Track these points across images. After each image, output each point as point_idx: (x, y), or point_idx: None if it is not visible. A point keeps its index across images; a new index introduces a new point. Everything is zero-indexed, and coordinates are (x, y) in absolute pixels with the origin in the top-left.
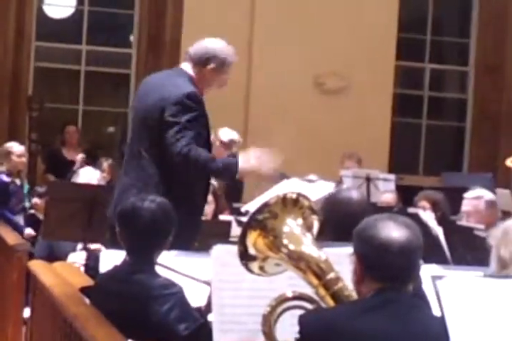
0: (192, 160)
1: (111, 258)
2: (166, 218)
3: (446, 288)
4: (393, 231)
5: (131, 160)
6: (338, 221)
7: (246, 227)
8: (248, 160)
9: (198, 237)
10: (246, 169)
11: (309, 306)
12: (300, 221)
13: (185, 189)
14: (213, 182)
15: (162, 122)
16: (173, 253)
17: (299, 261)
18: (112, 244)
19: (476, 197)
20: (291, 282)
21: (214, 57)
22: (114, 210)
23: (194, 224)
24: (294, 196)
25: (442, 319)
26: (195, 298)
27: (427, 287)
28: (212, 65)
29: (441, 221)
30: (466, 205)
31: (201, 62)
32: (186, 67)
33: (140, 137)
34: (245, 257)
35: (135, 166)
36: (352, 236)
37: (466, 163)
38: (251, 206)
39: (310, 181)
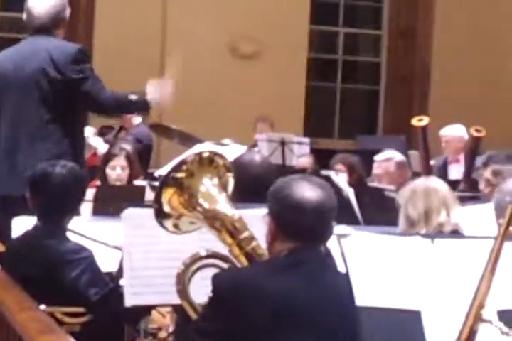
0: (120, 102)
1: (22, 225)
2: (76, 183)
3: (351, 246)
4: (307, 191)
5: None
6: (242, 183)
7: (162, 185)
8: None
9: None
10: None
11: (223, 265)
12: (215, 180)
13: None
14: (126, 146)
15: (65, 82)
16: (86, 218)
17: (213, 220)
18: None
19: (386, 159)
20: (203, 244)
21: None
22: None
23: None
24: (210, 155)
25: (347, 276)
26: (107, 263)
27: (332, 245)
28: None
29: (356, 183)
30: (377, 167)
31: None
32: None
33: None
34: (160, 215)
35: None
36: (256, 198)
37: (381, 126)
38: (164, 171)
39: (223, 145)
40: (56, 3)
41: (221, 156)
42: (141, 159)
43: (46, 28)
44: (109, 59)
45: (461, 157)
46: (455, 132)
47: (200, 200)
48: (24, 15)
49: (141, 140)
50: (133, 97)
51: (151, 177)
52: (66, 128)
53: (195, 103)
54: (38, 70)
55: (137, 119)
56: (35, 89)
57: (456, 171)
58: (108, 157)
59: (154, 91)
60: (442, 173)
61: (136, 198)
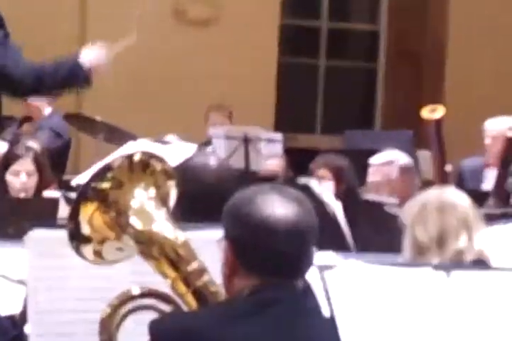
0: (46, 76)
1: None
2: None
3: (338, 280)
4: (278, 207)
5: None
6: (189, 196)
7: (79, 198)
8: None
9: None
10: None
11: (164, 307)
12: (152, 191)
13: None
14: (33, 144)
15: None
16: None
17: (149, 246)
18: None
19: (386, 163)
20: (136, 278)
21: None
22: None
23: None
24: (144, 157)
25: (332, 321)
26: (7, 304)
27: (314, 279)
28: None
29: (345, 194)
30: (373, 174)
31: None
32: None
33: None
34: (77, 238)
35: None
36: (209, 216)
37: (378, 117)
38: (85, 178)
39: (165, 143)
40: None
41: (160, 159)
42: (55, 162)
43: None
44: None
45: None
46: (496, 126)
47: (132, 219)
48: None
49: (59, 134)
50: (69, 67)
51: (66, 186)
52: None
53: (127, 86)
54: None
55: (47, 109)
56: None
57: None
58: (9, 159)
59: (90, 56)
60: (477, 180)
61: (45, 215)
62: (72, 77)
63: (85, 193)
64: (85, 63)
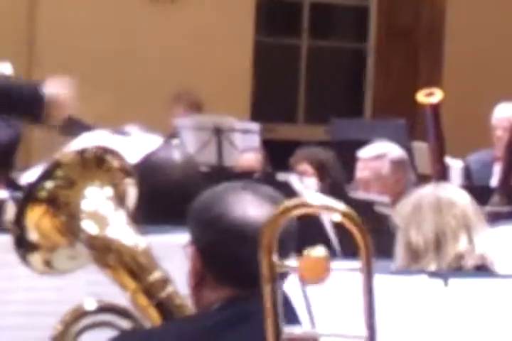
0: None
1: None
2: None
3: (320, 289)
4: (251, 208)
5: None
6: (152, 195)
7: (26, 200)
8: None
9: None
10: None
11: (123, 323)
12: (108, 190)
13: None
14: None
15: None
16: None
17: (105, 253)
18: None
19: (376, 156)
20: (91, 290)
21: None
22: None
23: None
24: (99, 152)
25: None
26: None
27: (292, 290)
28: None
29: (331, 193)
30: (362, 169)
31: None
32: None
33: None
34: (23, 245)
35: None
36: (173, 218)
37: (368, 104)
38: (34, 175)
39: (124, 134)
40: None
41: (117, 154)
42: (2, 156)
43: None
44: None
45: None
46: (506, 114)
47: (84, 223)
48: None
49: (9, 125)
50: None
51: (15, 185)
52: None
53: (85, 67)
54: None
55: None
56: None
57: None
58: None
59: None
60: (485, 175)
61: None
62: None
63: (32, 194)
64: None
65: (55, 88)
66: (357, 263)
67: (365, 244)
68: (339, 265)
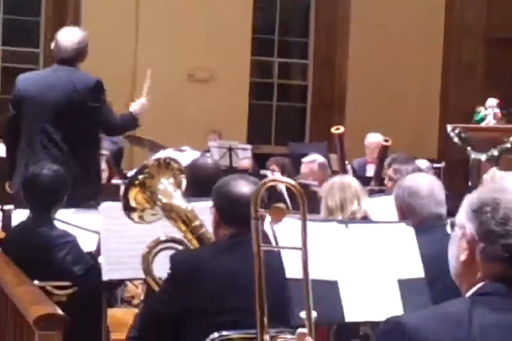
0: (124, 124)
1: (20, 216)
2: (60, 182)
3: (281, 229)
4: (243, 187)
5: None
6: (197, 181)
7: (128, 185)
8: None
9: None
10: (138, 113)
11: (179, 247)
12: (171, 180)
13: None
14: (105, 152)
15: (84, 109)
16: (72, 210)
17: (170, 212)
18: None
19: (311, 161)
20: (165, 230)
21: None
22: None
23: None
24: (167, 160)
25: (279, 253)
26: (88, 245)
27: (267, 229)
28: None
29: None
30: (303, 168)
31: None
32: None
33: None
34: (128, 209)
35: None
36: (208, 194)
37: (308, 135)
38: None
39: (182, 151)
40: (81, 39)
41: (175, 161)
42: (116, 159)
43: (71, 60)
44: None
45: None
46: (374, 139)
47: (159, 196)
48: (52, 45)
49: (116, 142)
50: (129, 116)
51: (125, 177)
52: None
53: (162, 119)
54: (62, 98)
55: None
56: (57, 113)
57: (372, 170)
58: None
59: (137, 108)
60: (361, 171)
61: (112, 194)
62: (134, 124)
63: (132, 182)
64: (135, 112)
65: (135, 107)
66: (299, 214)
67: (303, 202)
68: (290, 214)
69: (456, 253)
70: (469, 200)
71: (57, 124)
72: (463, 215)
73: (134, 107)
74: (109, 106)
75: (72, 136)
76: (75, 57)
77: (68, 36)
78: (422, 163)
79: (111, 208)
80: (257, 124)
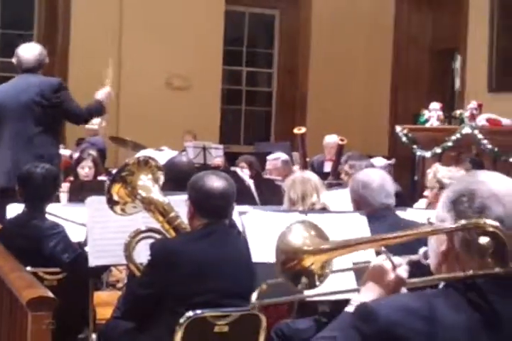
0: (89, 111)
1: (15, 210)
2: (52, 180)
3: (249, 219)
4: (215, 182)
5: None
6: (173, 177)
7: (111, 181)
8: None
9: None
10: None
11: (158, 236)
12: (150, 176)
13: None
14: (92, 152)
15: (51, 106)
16: (63, 204)
17: (149, 205)
18: None
19: (275, 159)
20: (145, 221)
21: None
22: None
23: None
24: (145, 158)
25: (246, 240)
26: (76, 235)
27: (236, 219)
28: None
29: (255, 176)
30: (268, 164)
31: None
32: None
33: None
34: (111, 202)
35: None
36: (184, 188)
37: (273, 135)
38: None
39: (160, 150)
40: (40, 51)
41: (153, 159)
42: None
43: (33, 69)
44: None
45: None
46: (331, 140)
47: (139, 191)
48: (14, 59)
49: (96, 145)
50: (95, 104)
51: (110, 174)
52: (51, 137)
53: (143, 122)
54: (31, 100)
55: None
56: (29, 113)
57: (329, 166)
58: (79, 160)
59: (103, 96)
60: (320, 167)
61: (98, 190)
62: (99, 110)
63: (115, 179)
64: (102, 99)
65: (103, 98)
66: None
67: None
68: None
69: (435, 246)
70: (446, 194)
71: (32, 120)
72: (441, 208)
73: (101, 95)
74: (73, 100)
75: (42, 129)
76: (37, 66)
77: (29, 50)
78: (380, 160)
79: (96, 202)
80: (228, 126)
